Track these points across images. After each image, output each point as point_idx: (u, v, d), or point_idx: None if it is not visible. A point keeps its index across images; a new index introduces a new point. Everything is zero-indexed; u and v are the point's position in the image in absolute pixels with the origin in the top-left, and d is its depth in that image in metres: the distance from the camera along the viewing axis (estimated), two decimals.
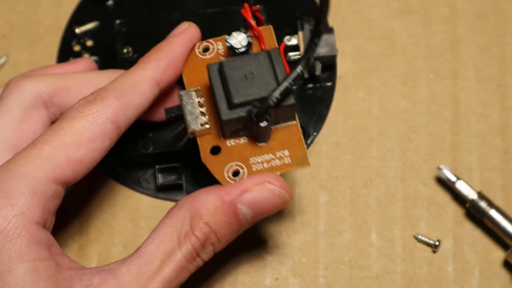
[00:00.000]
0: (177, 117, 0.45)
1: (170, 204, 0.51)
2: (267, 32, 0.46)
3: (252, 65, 0.43)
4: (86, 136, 0.41)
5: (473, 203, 0.49)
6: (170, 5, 0.54)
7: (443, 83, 0.53)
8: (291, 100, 0.42)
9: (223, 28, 0.50)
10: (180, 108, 0.44)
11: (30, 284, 0.39)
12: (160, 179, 0.50)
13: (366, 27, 0.55)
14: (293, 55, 0.50)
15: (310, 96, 0.52)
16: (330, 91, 0.53)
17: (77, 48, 0.54)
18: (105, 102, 0.42)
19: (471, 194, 0.49)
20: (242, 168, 0.43)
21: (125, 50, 0.51)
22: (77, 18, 0.54)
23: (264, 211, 0.43)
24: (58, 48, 0.54)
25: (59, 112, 0.46)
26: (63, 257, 0.41)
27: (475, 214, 0.49)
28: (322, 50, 0.50)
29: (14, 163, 0.41)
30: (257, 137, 0.44)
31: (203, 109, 0.44)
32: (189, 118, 0.44)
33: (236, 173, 0.43)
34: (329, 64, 0.52)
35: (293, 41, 0.51)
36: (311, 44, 0.41)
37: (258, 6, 0.48)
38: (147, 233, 0.50)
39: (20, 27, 0.55)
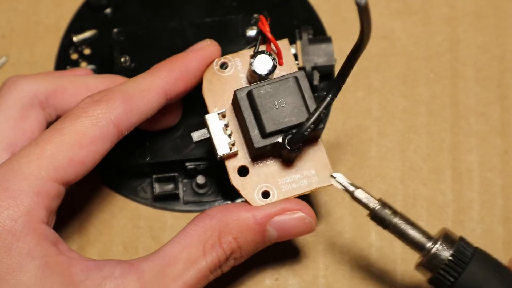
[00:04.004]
0: (204, 141, 0.45)
1: (168, 212, 0.51)
2: (284, 45, 0.46)
3: (282, 92, 0.43)
4: (89, 138, 0.41)
5: (375, 213, 0.43)
6: (169, 14, 0.54)
7: (443, 83, 0.53)
8: (321, 125, 0.43)
9: (221, 37, 0.50)
10: (205, 131, 0.44)
11: (42, 279, 0.39)
12: (157, 188, 0.50)
13: None
14: None
15: None
16: None
17: (74, 56, 0.54)
18: (111, 105, 0.42)
19: (372, 203, 0.43)
20: (271, 189, 0.44)
21: (122, 59, 0.50)
22: (75, 25, 0.54)
23: (289, 235, 0.44)
24: (56, 56, 0.54)
25: (55, 113, 0.46)
26: (72, 253, 0.41)
27: (378, 224, 0.44)
28: (320, 60, 0.50)
29: (16, 161, 0.41)
30: (286, 159, 0.44)
31: (228, 131, 0.44)
32: (217, 142, 0.43)
33: (265, 194, 0.44)
34: (327, 74, 0.52)
35: (291, 50, 0.50)
36: (343, 74, 0.41)
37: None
38: (147, 233, 0.50)
39: (20, 27, 0.55)
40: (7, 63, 0.54)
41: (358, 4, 0.34)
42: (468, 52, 0.54)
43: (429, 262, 0.43)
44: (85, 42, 0.54)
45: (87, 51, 0.54)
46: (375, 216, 0.43)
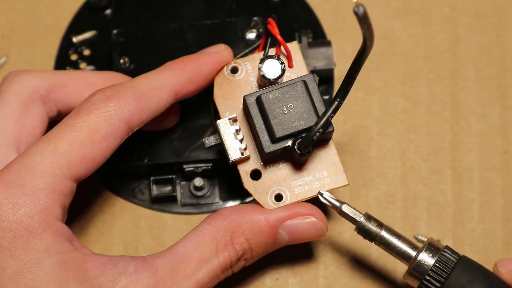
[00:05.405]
0: (216, 146, 0.45)
1: (166, 214, 0.51)
2: (293, 48, 0.46)
3: (290, 97, 0.43)
4: (101, 134, 0.42)
5: (361, 226, 0.44)
6: (168, 16, 0.53)
7: (443, 83, 0.53)
8: (331, 128, 0.43)
9: (221, 39, 0.50)
10: (217, 137, 0.44)
11: (59, 275, 0.39)
12: (155, 190, 0.50)
13: None
14: None
15: None
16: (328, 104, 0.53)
17: (74, 57, 0.54)
18: (123, 102, 0.42)
19: (358, 217, 0.44)
20: (284, 192, 0.44)
21: (121, 60, 0.50)
22: (75, 26, 0.54)
23: (300, 239, 0.44)
24: (55, 56, 0.54)
25: (56, 108, 0.46)
26: (85, 249, 0.42)
27: (365, 237, 0.45)
28: (319, 63, 0.50)
29: (29, 158, 0.41)
30: (297, 162, 0.44)
31: (240, 136, 0.44)
32: (229, 148, 0.44)
33: (278, 197, 0.44)
34: (327, 77, 0.52)
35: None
36: (350, 77, 0.41)
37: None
38: (147, 233, 0.50)
39: (20, 27, 0.55)
40: (7, 63, 0.54)
41: (356, 14, 0.34)
42: (468, 52, 0.54)
43: (415, 270, 0.44)
44: (84, 43, 0.54)
45: (86, 52, 0.54)
46: (361, 229, 0.44)
